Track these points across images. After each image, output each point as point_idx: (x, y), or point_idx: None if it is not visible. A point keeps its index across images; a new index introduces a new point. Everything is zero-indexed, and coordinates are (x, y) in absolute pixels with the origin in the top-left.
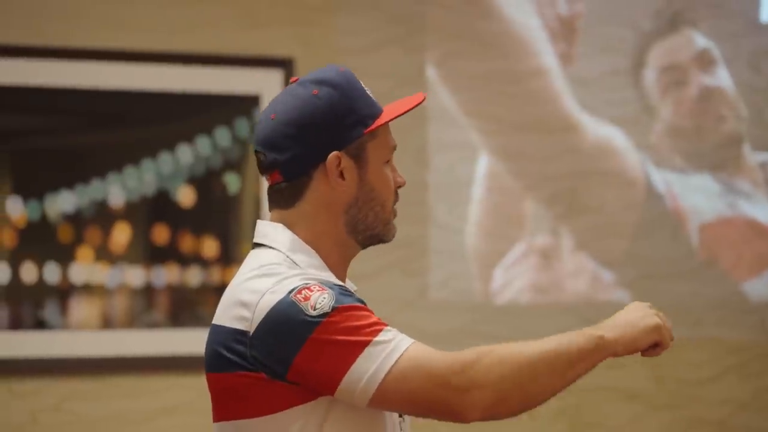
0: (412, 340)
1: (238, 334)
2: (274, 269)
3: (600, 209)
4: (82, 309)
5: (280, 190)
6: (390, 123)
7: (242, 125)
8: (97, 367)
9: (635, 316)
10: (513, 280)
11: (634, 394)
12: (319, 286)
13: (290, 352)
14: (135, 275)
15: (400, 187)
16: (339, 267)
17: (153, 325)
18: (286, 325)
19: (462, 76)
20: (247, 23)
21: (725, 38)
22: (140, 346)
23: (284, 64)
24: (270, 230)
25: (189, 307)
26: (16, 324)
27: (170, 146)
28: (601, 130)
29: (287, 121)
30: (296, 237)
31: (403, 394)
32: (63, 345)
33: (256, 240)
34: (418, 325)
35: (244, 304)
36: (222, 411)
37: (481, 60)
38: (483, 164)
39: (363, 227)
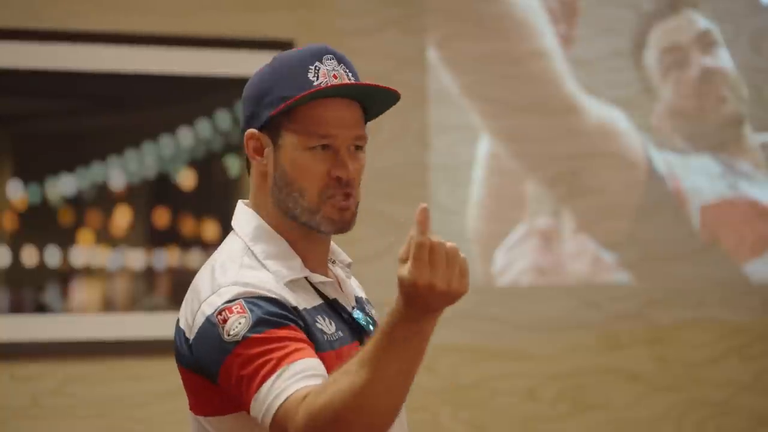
0: (296, 387)
1: (184, 335)
2: (223, 271)
3: (601, 191)
4: (82, 292)
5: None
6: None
7: None
8: (98, 351)
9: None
10: (514, 261)
11: (635, 375)
12: (241, 307)
13: (215, 366)
14: (136, 258)
15: (340, 178)
16: (305, 247)
17: (154, 308)
18: (210, 342)
19: (462, 57)
20: (248, 5)
21: (726, 19)
22: (141, 329)
23: (285, 47)
24: (240, 216)
25: None
26: (16, 307)
27: (171, 129)
28: (602, 112)
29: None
30: (262, 223)
31: None
32: (64, 328)
33: (232, 223)
34: None
35: (190, 309)
36: (189, 401)
37: (481, 41)
38: (484, 146)
39: (290, 213)
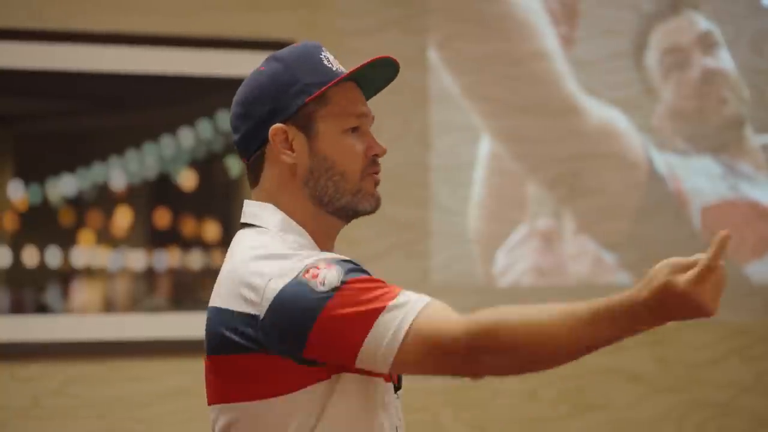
0: (426, 301)
1: (247, 317)
2: (278, 250)
3: (602, 192)
4: (83, 293)
5: (247, 170)
6: (360, 91)
7: None
8: (99, 351)
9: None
10: (515, 262)
11: (636, 376)
12: (326, 263)
13: (304, 331)
14: (136, 259)
15: (377, 155)
16: (323, 242)
17: (154, 308)
18: (297, 304)
19: (463, 58)
20: (249, 6)
21: (727, 20)
22: (142, 329)
23: (285, 47)
24: (260, 211)
25: (190, 290)
26: (17, 308)
27: (172, 129)
28: (603, 113)
29: (236, 101)
30: (286, 217)
31: (418, 356)
32: (64, 329)
33: (244, 220)
34: None
35: (251, 287)
36: (226, 393)
37: (482, 42)
38: (485, 146)
39: (327, 199)
